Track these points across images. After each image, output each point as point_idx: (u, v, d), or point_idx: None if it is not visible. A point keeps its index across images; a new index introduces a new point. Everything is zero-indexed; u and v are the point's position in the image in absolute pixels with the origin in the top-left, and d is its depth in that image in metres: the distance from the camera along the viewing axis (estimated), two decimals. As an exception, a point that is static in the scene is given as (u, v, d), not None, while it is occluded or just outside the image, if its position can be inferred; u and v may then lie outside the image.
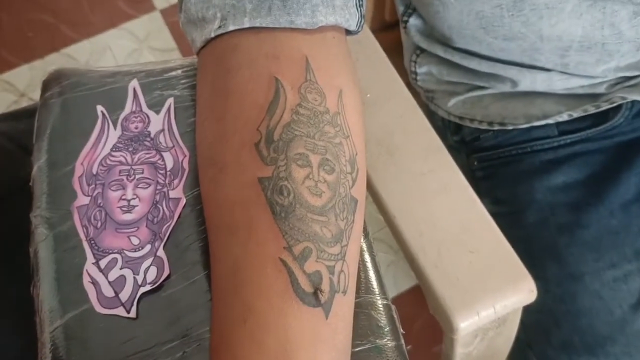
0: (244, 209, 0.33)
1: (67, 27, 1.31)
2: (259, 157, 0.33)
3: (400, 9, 0.66)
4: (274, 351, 0.30)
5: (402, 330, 0.39)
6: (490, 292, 0.49)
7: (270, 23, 0.35)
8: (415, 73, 0.71)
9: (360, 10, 0.39)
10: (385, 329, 0.38)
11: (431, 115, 0.75)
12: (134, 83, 0.45)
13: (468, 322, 0.47)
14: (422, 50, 0.69)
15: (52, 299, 0.37)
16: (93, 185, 0.41)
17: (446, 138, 0.74)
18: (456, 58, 0.63)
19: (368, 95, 0.57)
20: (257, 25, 0.35)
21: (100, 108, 0.44)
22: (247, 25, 0.35)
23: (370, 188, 0.54)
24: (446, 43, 0.63)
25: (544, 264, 0.62)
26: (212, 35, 0.36)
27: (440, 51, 0.64)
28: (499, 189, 0.69)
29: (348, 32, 0.40)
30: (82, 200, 0.40)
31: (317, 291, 0.31)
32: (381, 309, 0.38)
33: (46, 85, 0.47)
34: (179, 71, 0.46)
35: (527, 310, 0.51)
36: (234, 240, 0.33)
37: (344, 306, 0.33)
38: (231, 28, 0.35)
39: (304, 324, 0.30)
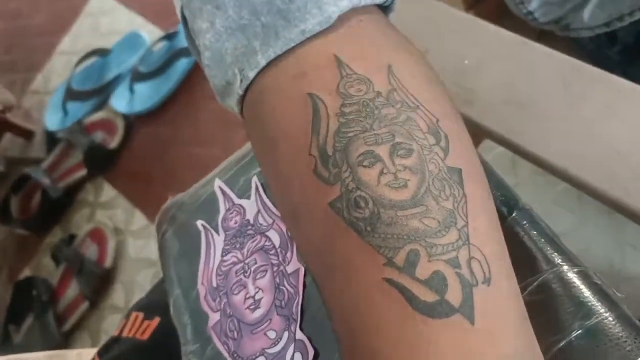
0: (328, 246, 0.27)
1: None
2: (321, 181, 0.27)
3: None
4: None
5: (618, 294, 0.28)
6: None
7: (283, 46, 0.30)
8: (530, 12, 0.60)
9: None
10: (592, 302, 0.27)
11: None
12: (218, 182, 0.43)
13: None
14: None
15: None
16: (218, 299, 0.38)
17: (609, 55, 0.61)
18: None
19: (466, 61, 0.48)
20: (273, 56, 0.30)
21: (200, 222, 0.42)
22: (263, 62, 0.30)
23: (521, 152, 0.44)
24: None
25: None
26: (240, 92, 0.32)
27: None
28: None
29: (383, 9, 0.34)
30: (214, 318, 0.37)
31: (444, 297, 0.23)
32: (575, 280, 0.28)
33: (158, 227, 0.46)
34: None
35: None
36: (335, 284, 0.27)
37: (494, 299, 0.24)
38: (251, 75, 0.31)
39: (444, 343, 0.22)
